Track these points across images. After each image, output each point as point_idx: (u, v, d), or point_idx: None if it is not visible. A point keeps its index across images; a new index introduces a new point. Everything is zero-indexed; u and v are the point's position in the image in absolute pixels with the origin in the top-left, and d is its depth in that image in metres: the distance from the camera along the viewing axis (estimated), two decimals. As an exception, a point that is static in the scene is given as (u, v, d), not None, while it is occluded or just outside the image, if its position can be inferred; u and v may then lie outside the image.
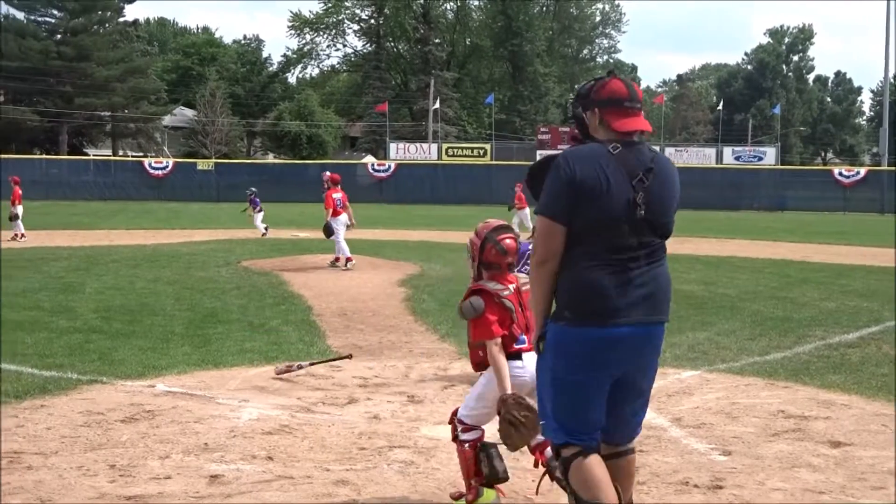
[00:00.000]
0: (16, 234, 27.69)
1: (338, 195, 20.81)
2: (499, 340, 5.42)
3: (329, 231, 20.53)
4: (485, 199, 56.32)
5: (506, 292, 5.50)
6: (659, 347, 4.46)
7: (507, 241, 5.57)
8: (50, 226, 33.09)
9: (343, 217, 20.60)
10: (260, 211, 31.92)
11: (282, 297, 15.38)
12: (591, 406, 4.33)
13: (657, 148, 4.64)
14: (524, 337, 5.51)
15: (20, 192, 28.77)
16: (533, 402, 5.18)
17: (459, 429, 5.62)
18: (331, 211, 20.55)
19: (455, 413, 5.72)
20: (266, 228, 30.84)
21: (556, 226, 4.21)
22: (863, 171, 66.91)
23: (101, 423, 7.29)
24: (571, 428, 4.34)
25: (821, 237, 32.75)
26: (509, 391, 5.29)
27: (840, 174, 65.20)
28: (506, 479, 5.54)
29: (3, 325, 11.89)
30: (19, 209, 28.32)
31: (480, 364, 5.57)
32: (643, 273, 4.24)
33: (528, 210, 31.82)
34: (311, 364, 9.34)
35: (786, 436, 7.18)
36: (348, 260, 20.10)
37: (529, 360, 5.34)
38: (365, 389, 8.69)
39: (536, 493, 5.55)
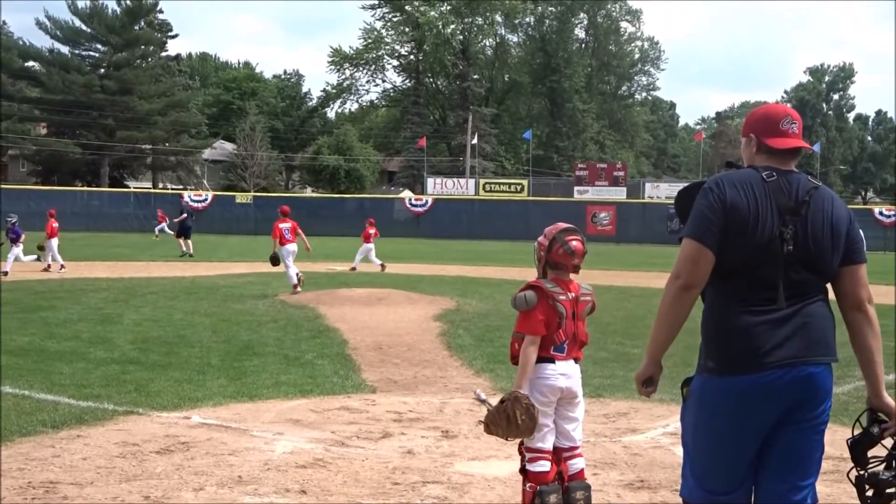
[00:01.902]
0: (48, 266, 27.90)
1: (285, 225, 21.84)
2: (538, 339, 5.50)
3: (275, 261, 21.80)
4: (522, 234, 56.10)
5: (562, 297, 5.56)
6: (822, 392, 3.93)
7: (575, 242, 5.64)
8: (90, 257, 33.44)
9: (291, 246, 21.63)
10: (19, 244, 27.62)
11: (317, 330, 15.40)
12: (735, 465, 3.95)
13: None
14: (566, 345, 5.59)
15: (54, 224, 28.78)
16: (539, 408, 5.46)
17: (527, 457, 5.68)
18: (277, 241, 21.64)
19: (521, 442, 5.75)
20: (10, 266, 26.40)
21: (705, 250, 3.86)
22: (904, 210, 66.21)
23: (136, 455, 7.31)
24: (713, 488, 3.98)
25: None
26: (524, 390, 5.44)
27: (881, 213, 64.53)
28: None
29: (42, 355, 12.03)
30: (53, 242, 28.36)
31: (517, 357, 5.64)
32: (793, 312, 3.86)
33: (372, 245, 31.62)
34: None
35: (824, 477, 7.07)
36: (294, 287, 21.16)
37: (562, 367, 5.56)
38: (399, 424, 8.66)
39: None
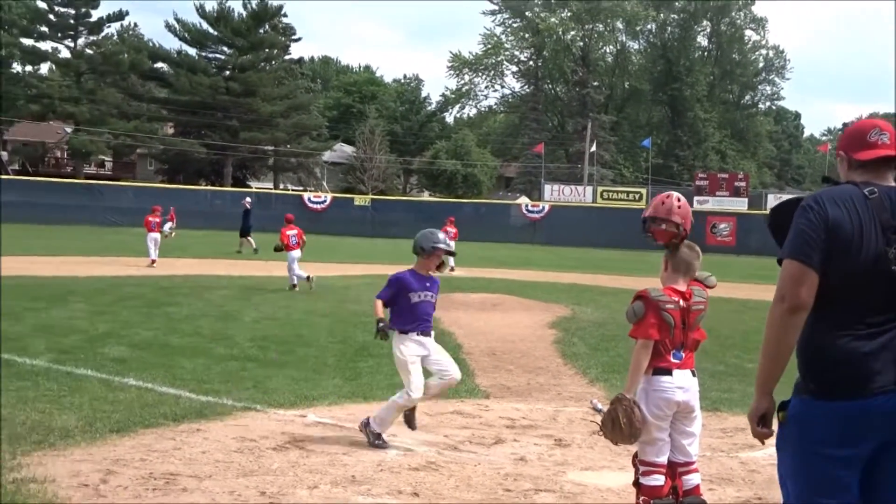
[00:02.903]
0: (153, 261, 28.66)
1: (291, 232, 23.07)
2: (650, 344, 5.48)
3: (279, 249, 23.22)
4: (639, 243, 55.23)
5: (670, 305, 5.56)
6: None
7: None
8: (212, 255, 34.18)
9: (295, 252, 22.78)
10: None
11: (432, 333, 15.44)
12: (839, 491, 3.73)
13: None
14: (681, 354, 5.53)
15: (151, 219, 29.61)
16: (654, 422, 5.45)
17: (640, 470, 5.67)
18: (285, 245, 22.82)
19: (635, 455, 5.75)
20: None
21: (808, 270, 3.70)
22: None
23: (253, 450, 7.45)
24: None
25: None
26: (630, 395, 5.42)
27: None
28: None
29: (165, 350, 12.37)
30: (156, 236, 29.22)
31: None
32: None
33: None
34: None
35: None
36: (293, 286, 22.38)
37: (679, 379, 5.50)
38: (512, 430, 8.65)
39: None
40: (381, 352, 13.15)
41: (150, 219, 29.43)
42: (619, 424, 5.41)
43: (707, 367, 6.78)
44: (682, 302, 5.60)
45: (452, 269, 30.60)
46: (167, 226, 38.88)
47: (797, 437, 3.80)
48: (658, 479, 5.57)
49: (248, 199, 41.39)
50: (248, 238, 37.63)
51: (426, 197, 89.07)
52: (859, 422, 3.66)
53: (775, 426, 3.86)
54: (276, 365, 11.65)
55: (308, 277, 22.23)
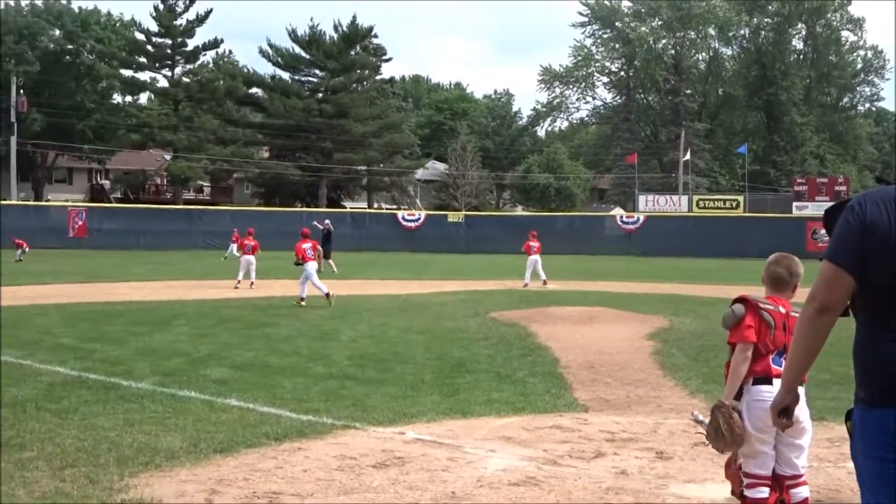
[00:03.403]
0: (238, 282, 29.01)
1: (307, 245, 23.50)
2: (749, 347, 5.40)
3: (299, 263, 23.49)
4: (737, 251, 54.75)
5: (770, 307, 5.50)
6: None
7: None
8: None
9: (311, 265, 23.09)
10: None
11: (529, 348, 15.42)
12: None
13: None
14: (782, 360, 5.34)
15: (246, 242, 30.28)
16: (755, 434, 5.35)
17: (744, 483, 5.57)
18: (302, 258, 23.21)
19: (734, 462, 5.68)
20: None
21: (841, 272, 3.67)
22: None
23: (353, 468, 7.49)
24: None
25: None
26: (728, 401, 5.34)
27: None
28: None
29: (265, 370, 12.54)
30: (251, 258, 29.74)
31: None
32: None
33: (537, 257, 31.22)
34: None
35: None
36: (301, 300, 22.55)
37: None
38: (612, 444, 8.56)
39: None
40: (478, 367, 13.19)
41: (246, 242, 29.98)
42: (721, 432, 5.33)
43: (812, 376, 6.56)
44: (781, 308, 5.51)
45: (546, 283, 30.58)
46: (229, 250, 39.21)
47: (860, 446, 3.74)
48: (763, 492, 5.47)
49: (327, 221, 41.89)
50: (329, 261, 37.84)
51: (519, 211, 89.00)
52: None
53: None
54: (375, 383, 11.72)
55: (327, 294, 22.50)
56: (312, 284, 22.85)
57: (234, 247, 42.52)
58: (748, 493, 5.53)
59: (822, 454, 8.02)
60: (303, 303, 22.36)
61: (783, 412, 3.99)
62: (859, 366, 3.77)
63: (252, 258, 29.61)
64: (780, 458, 5.52)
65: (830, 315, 3.74)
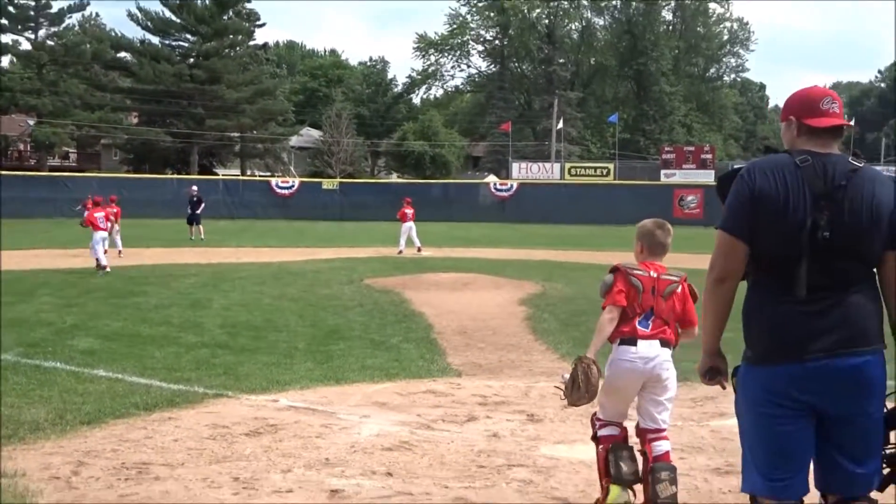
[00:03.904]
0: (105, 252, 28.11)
1: (99, 214, 23.35)
2: (617, 310, 5.58)
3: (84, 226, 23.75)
4: (608, 218, 55.68)
5: (639, 272, 5.68)
6: (869, 382, 3.82)
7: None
8: (180, 243, 34.01)
9: (102, 234, 22.95)
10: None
11: (403, 314, 15.48)
12: (790, 454, 3.85)
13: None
14: (649, 322, 5.62)
15: (108, 210, 28.95)
16: (612, 389, 5.70)
17: (596, 426, 5.88)
18: (91, 227, 22.91)
19: (594, 414, 5.99)
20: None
21: (736, 242, 3.85)
22: None
23: (225, 437, 7.43)
24: (772, 477, 3.88)
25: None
26: (591, 356, 5.52)
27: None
28: (631, 482, 5.63)
29: (135, 340, 12.31)
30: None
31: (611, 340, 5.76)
32: (833, 302, 3.76)
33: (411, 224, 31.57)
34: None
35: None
36: (103, 267, 22.18)
37: (645, 348, 5.59)
38: (484, 407, 8.67)
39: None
40: (352, 334, 13.19)
41: (108, 210, 28.64)
42: (578, 383, 5.52)
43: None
44: (653, 272, 5.68)
45: (420, 250, 30.69)
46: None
47: (743, 402, 3.98)
48: (613, 429, 5.79)
49: (195, 188, 41.11)
50: (199, 226, 37.32)
51: (394, 179, 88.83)
52: (794, 387, 3.78)
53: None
54: (248, 351, 11.63)
55: (103, 267, 22.10)
56: (91, 249, 22.63)
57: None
58: (601, 432, 5.80)
59: (685, 413, 8.27)
60: (106, 269, 22.02)
61: (709, 373, 4.20)
62: (747, 328, 3.95)
63: (116, 226, 28.84)
64: (643, 413, 5.75)
65: (729, 282, 3.91)
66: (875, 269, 3.90)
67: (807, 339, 3.75)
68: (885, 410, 3.92)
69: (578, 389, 5.52)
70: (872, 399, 3.85)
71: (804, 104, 4.00)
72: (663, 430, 5.75)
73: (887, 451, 3.94)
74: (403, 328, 13.87)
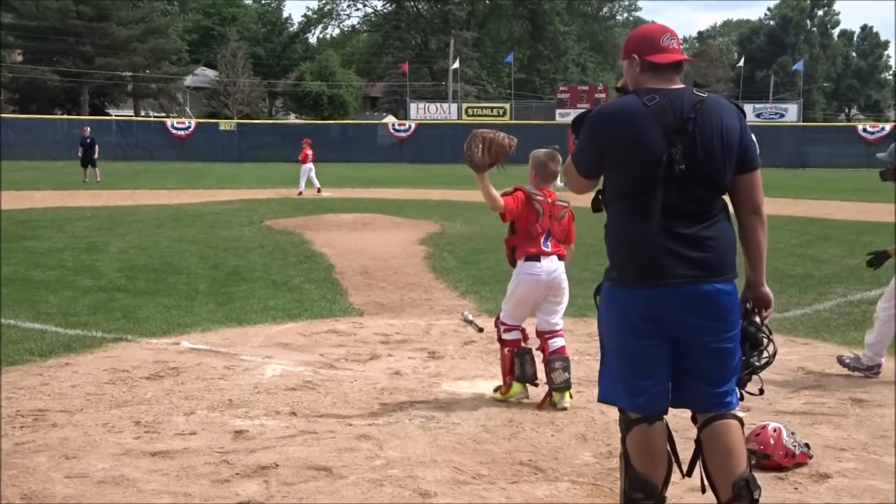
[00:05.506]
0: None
1: None
2: (501, 207, 6.49)
3: None
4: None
5: (540, 198, 6.64)
6: (722, 309, 3.97)
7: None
8: (73, 186, 33.21)
9: None
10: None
11: (304, 255, 15.44)
12: (648, 370, 4.01)
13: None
14: (549, 242, 6.66)
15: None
16: (520, 297, 6.83)
17: (501, 329, 6.85)
18: None
19: (498, 317, 6.95)
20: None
21: (578, 177, 4.21)
22: (888, 126, 65.81)
23: (125, 381, 7.36)
24: (628, 389, 4.04)
25: (843, 194, 32.37)
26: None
27: (864, 130, 64.58)
28: (533, 382, 6.78)
29: (27, 285, 12.04)
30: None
31: (513, 260, 6.75)
32: (693, 231, 3.91)
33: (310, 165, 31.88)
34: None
35: (806, 392, 7.18)
36: None
37: (547, 263, 6.64)
38: (386, 346, 8.73)
39: (540, 407, 6.65)
40: (253, 276, 13.12)
41: None
42: (487, 146, 6.52)
43: (573, 275, 6.95)
44: (549, 199, 6.67)
45: (320, 191, 30.53)
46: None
47: (607, 316, 4.17)
48: (517, 334, 6.82)
49: (87, 128, 39.98)
50: (95, 168, 36.44)
51: (293, 120, 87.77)
52: (654, 309, 3.96)
53: None
54: (147, 293, 11.48)
55: None
56: None
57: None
58: (505, 336, 6.82)
59: (582, 348, 8.44)
60: None
61: (596, 293, 4.43)
62: (610, 250, 4.16)
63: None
64: (542, 317, 6.83)
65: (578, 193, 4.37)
66: (727, 196, 4.11)
67: (664, 266, 3.91)
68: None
69: (488, 148, 6.47)
70: (727, 325, 4.02)
71: (645, 41, 4.12)
72: (558, 330, 6.84)
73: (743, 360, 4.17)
74: (305, 269, 13.83)
